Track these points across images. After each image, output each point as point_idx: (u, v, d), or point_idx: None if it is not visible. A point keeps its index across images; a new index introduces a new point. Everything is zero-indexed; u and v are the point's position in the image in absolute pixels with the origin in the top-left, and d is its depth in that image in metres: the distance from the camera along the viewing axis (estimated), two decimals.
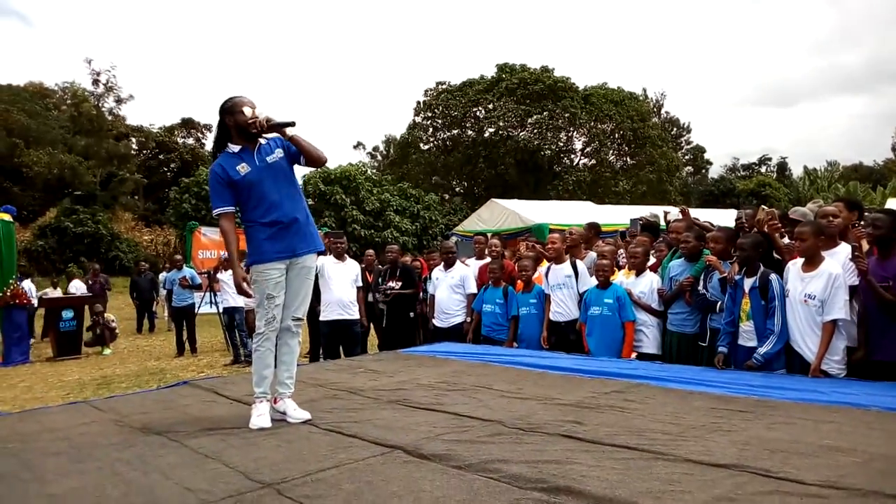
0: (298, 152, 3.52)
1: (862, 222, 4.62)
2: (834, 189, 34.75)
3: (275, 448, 2.95)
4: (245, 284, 3.40)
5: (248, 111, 3.42)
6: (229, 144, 3.49)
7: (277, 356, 3.56)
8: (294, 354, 3.63)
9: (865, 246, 4.26)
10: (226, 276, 9.89)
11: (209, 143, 41.51)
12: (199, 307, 11.48)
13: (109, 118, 36.06)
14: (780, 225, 4.56)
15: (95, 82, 35.54)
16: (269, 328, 3.47)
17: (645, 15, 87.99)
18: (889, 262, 3.92)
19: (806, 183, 40.56)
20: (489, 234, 9.21)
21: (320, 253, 3.80)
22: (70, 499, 2.38)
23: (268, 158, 3.48)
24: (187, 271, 11.57)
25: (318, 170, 26.90)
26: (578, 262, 5.83)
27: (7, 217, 11.04)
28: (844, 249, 4.21)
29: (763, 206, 4.80)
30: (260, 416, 3.36)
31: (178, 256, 12.92)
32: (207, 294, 11.49)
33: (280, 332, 3.53)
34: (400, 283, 7.81)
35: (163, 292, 13.98)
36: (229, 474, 2.58)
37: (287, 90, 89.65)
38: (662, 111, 46.98)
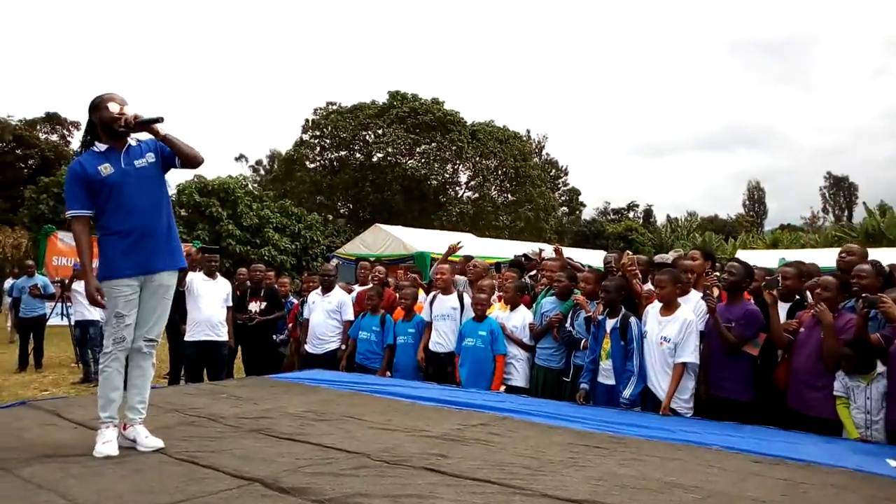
0: (172, 154, 3.32)
1: (715, 272, 5.08)
2: (692, 237, 37.71)
3: (121, 478, 2.75)
4: (98, 296, 3.16)
5: (113, 107, 3.22)
6: (96, 143, 3.28)
7: (128, 379, 3.35)
8: (146, 378, 3.42)
9: (716, 292, 4.66)
10: (80, 287, 9.17)
11: (75, 142, 38.75)
12: (49, 318, 10.54)
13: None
14: (637, 271, 4.88)
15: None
16: (118, 348, 3.26)
17: (534, 59, 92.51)
18: (735, 306, 4.34)
19: (668, 230, 43.75)
20: (372, 260, 9.19)
21: (183, 270, 3.62)
22: None
23: (136, 162, 3.28)
24: (39, 279, 10.63)
25: (195, 180, 25.77)
26: (465, 296, 5.91)
27: None
28: (696, 296, 4.59)
29: (627, 252, 5.14)
30: (106, 444, 3.12)
31: (30, 262, 11.82)
32: (59, 305, 10.59)
33: (131, 353, 3.34)
34: (264, 305, 7.58)
35: (7, 300, 12.71)
36: None
37: (166, 91, 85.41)
38: (543, 152, 49.27)
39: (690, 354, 4.23)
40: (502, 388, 5.38)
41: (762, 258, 12.86)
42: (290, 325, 7.76)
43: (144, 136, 3.35)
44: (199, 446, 3.27)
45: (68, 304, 9.80)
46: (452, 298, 5.91)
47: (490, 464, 3.06)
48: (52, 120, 38.58)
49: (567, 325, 5.06)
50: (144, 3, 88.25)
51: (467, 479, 2.81)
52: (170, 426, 3.71)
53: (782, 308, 4.33)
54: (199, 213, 24.61)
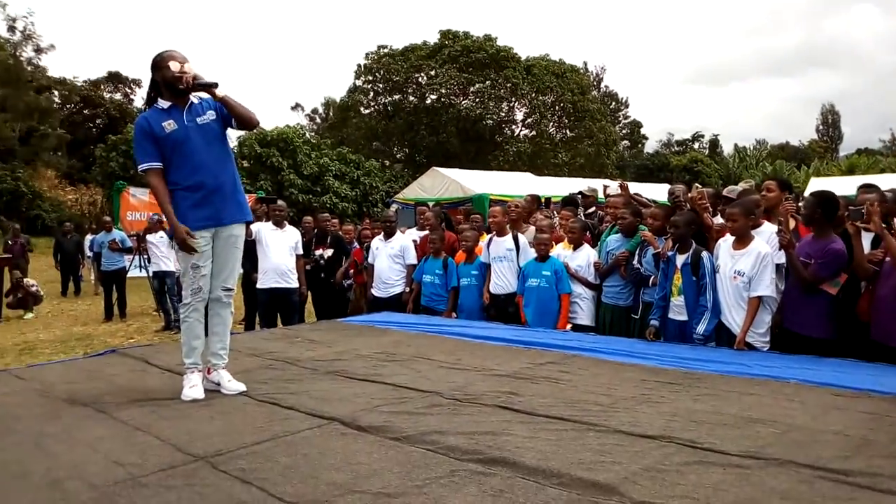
0: (229, 115, 3.41)
1: (790, 200, 4.85)
2: (762, 167, 36.22)
3: (208, 420, 2.90)
4: (190, 238, 3.27)
5: (174, 66, 3.29)
6: (159, 100, 3.37)
7: (209, 326, 3.50)
8: (226, 325, 3.55)
9: (792, 223, 4.46)
10: (155, 239, 9.56)
11: (138, 100, 39.75)
12: (129, 271, 11.08)
13: (29, 69, 33.86)
14: (708, 204, 4.71)
15: (11, 29, 33.12)
16: (196, 298, 3.40)
17: None
18: (818, 242, 4.06)
19: (736, 160, 42.09)
20: (431, 205, 9.20)
21: (248, 222, 3.74)
22: None
23: (198, 119, 3.37)
24: (117, 233, 11.12)
25: (255, 131, 26.11)
26: (520, 236, 5.89)
27: None
28: (770, 228, 4.40)
29: (696, 185, 4.96)
30: (192, 388, 3.30)
31: (107, 218, 12.37)
32: (137, 257, 11.09)
33: (210, 302, 3.47)
34: (331, 251, 7.74)
35: (90, 255, 13.40)
36: (160, 447, 2.53)
37: (222, 45, 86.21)
38: (602, 85, 47.74)
39: (766, 288, 4.09)
40: (568, 326, 5.38)
41: (837, 185, 12.23)
42: (352, 270, 7.92)
43: (205, 94, 3.42)
44: (278, 388, 3.41)
45: (145, 256, 10.25)
46: (507, 240, 5.89)
47: (561, 401, 3.08)
48: (115, 79, 39.62)
49: (634, 261, 4.97)
50: None
51: (540, 416, 2.84)
52: (250, 370, 3.87)
53: (866, 238, 4.10)
54: (261, 163, 25.09)
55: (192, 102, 3.39)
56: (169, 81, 3.29)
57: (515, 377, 3.58)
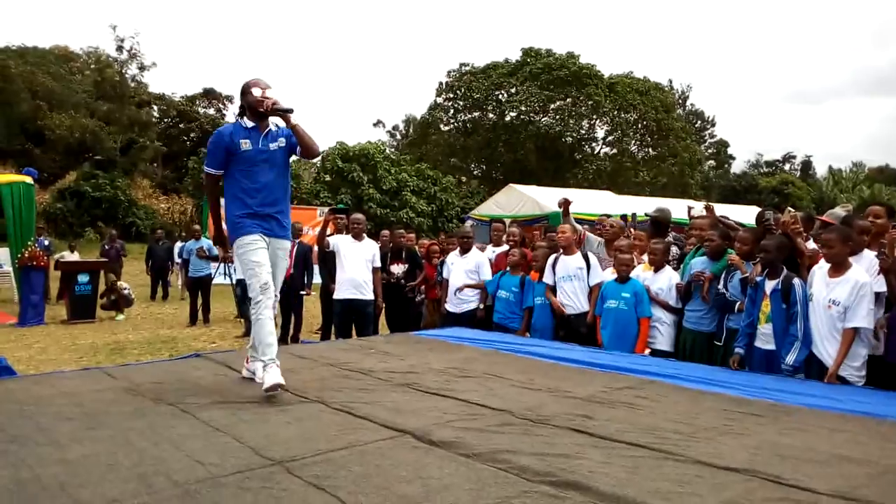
0: (297, 143, 3.70)
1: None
2: (858, 191, 34.28)
3: (285, 425, 2.96)
4: (224, 240, 3.74)
5: (256, 92, 3.63)
6: (245, 119, 3.73)
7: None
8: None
9: None
10: None
11: (230, 115, 41.64)
12: (214, 277, 11.58)
13: (132, 85, 36.15)
14: (801, 229, 4.48)
15: (119, 48, 35.53)
16: (266, 296, 3.62)
17: (674, 5, 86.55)
18: None
19: (830, 183, 40.03)
20: (507, 221, 9.17)
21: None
22: (82, 465, 2.40)
23: (271, 144, 3.69)
24: (204, 242, 11.64)
25: (337, 146, 26.87)
26: (590, 255, 5.78)
27: (28, 179, 11.16)
28: (869, 255, 4.15)
29: (789, 209, 4.73)
30: (272, 378, 3.43)
31: (196, 227, 13.01)
32: (222, 265, 11.58)
33: None
34: (405, 267, 7.84)
35: (178, 261, 14.08)
36: (239, 449, 2.60)
37: (309, 64, 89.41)
38: (687, 103, 46.45)
39: (863, 319, 3.84)
40: (647, 351, 5.22)
41: None
42: (423, 286, 7.98)
43: (279, 121, 3.73)
44: (353, 398, 3.45)
45: (230, 264, 10.68)
46: (577, 258, 5.78)
47: (638, 427, 2.98)
48: (209, 95, 41.67)
49: (719, 286, 4.78)
50: None
51: (615, 442, 2.76)
52: (325, 378, 3.95)
53: None
54: (342, 177, 25.76)
55: (270, 129, 3.72)
56: (252, 105, 3.63)
57: (590, 400, 3.50)
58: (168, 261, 15.03)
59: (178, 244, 14.64)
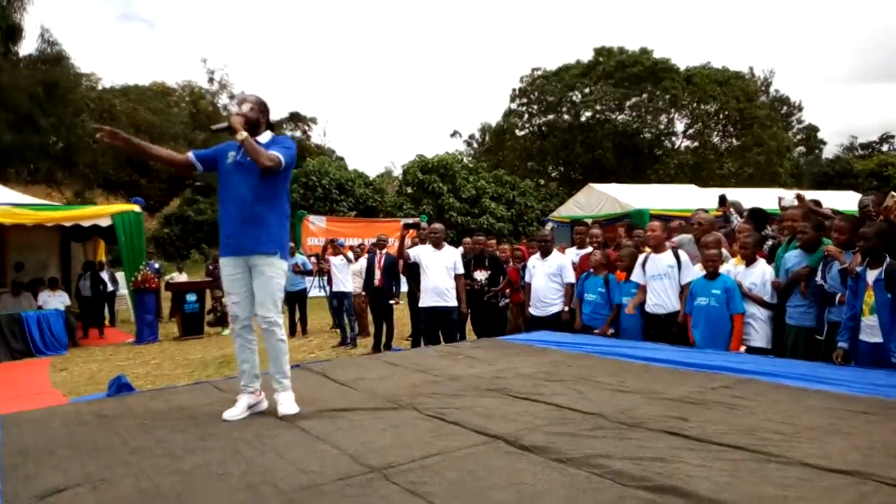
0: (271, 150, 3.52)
1: None
2: None
3: (380, 432, 3.06)
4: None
5: (232, 108, 3.63)
6: None
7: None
8: (276, 351, 3.61)
9: None
10: (336, 262, 10.30)
11: (315, 136, 43.17)
12: (309, 291, 12.08)
13: (224, 114, 38.09)
14: None
15: (210, 80, 37.61)
16: (235, 325, 3.61)
17: None
18: None
19: None
20: (589, 222, 9.06)
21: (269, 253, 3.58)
22: (196, 475, 2.57)
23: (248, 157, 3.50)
24: (299, 258, 12.11)
25: (417, 159, 27.29)
26: (681, 252, 5.62)
27: (137, 208, 11.97)
28: None
29: (892, 193, 4.46)
30: (233, 407, 3.50)
31: (291, 244, 13.52)
32: (317, 279, 12.04)
33: (262, 332, 3.58)
34: (488, 273, 7.89)
35: None
36: (338, 457, 2.70)
37: (387, 80, 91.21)
38: (771, 89, 44.19)
39: None
40: (742, 348, 5.03)
41: None
42: (508, 290, 8.01)
43: (266, 137, 3.65)
44: (444, 404, 3.52)
45: (325, 277, 11.10)
46: (668, 256, 5.63)
47: (737, 429, 2.89)
48: (295, 118, 43.31)
49: (817, 278, 4.55)
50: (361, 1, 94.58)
51: (713, 444, 2.69)
52: (416, 385, 4.04)
53: None
54: (423, 189, 26.13)
55: (258, 141, 3.54)
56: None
57: (684, 401, 3.42)
58: None
59: None
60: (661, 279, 5.58)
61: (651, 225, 5.91)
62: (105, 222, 11.46)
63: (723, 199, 7.47)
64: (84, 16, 67.83)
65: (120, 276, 13.38)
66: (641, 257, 5.85)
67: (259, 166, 3.40)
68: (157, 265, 13.93)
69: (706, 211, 6.44)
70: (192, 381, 5.44)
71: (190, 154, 3.71)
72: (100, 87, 34.93)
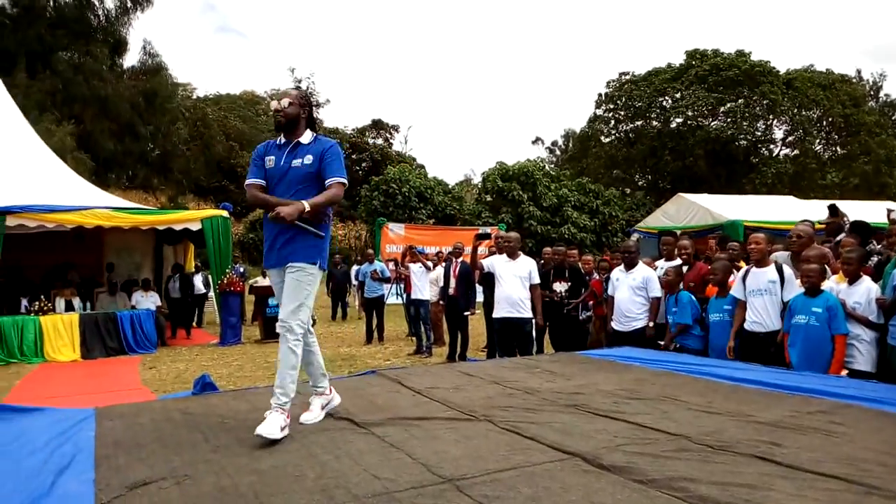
0: (326, 175, 3.37)
1: None
2: None
3: (454, 443, 3.03)
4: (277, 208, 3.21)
5: (273, 104, 3.43)
6: (281, 136, 3.51)
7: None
8: (282, 361, 3.32)
9: None
10: (415, 269, 10.40)
11: (397, 144, 43.96)
12: (387, 298, 12.23)
13: (270, 113, 39.36)
14: None
15: (297, 89, 38.97)
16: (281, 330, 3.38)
17: None
18: None
19: None
20: (678, 233, 8.73)
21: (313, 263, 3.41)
22: (273, 475, 2.63)
23: (294, 161, 3.38)
24: (378, 265, 12.33)
25: (497, 167, 27.27)
26: (785, 267, 5.29)
27: (224, 213, 12.51)
28: None
29: None
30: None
31: (370, 251, 13.83)
32: (395, 286, 12.18)
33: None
34: (568, 285, 7.72)
35: (355, 283, 15.00)
36: (412, 465, 2.69)
37: (468, 88, 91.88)
38: (881, 94, 41.45)
39: None
40: (843, 372, 4.69)
41: None
42: (591, 302, 7.81)
43: (307, 138, 3.47)
44: (520, 417, 3.45)
45: (402, 284, 11.22)
46: (770, 271, 5.30)
47: (834, 457, 2.68)
48: (378, 126, 44.28)
49: None
50: (443, 7, 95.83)
51: (807, 472, 2.51)
52: (491, 397, 3.99)
53: None
54: (503, 197, 26.05)
55: (300, 142, 3.42)
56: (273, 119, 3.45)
57: (777, 426, 3.21)
58: (346, 283, 16.05)
59: (355, 267, 15.60)
60: (762, 295, 5.27)
61: (755, 237, 5.57)
62: (195, 226, 12.01)
63: (834, 209, 6.85)
64: (184, 28, 72.22)
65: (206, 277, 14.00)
66: (742, 271, 5.57)
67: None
68: (241, 269, 14.49)
69: (811, 223, 6.05)
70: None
71: (251, 181, 3.49)
72: (194, 97, 36.96)
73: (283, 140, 3.47)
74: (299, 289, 3.33)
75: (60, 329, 10.38)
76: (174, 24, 71.21)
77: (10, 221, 9.90)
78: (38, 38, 26.15)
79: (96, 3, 29.51)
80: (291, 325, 3.29)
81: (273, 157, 3.43)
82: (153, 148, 30.42)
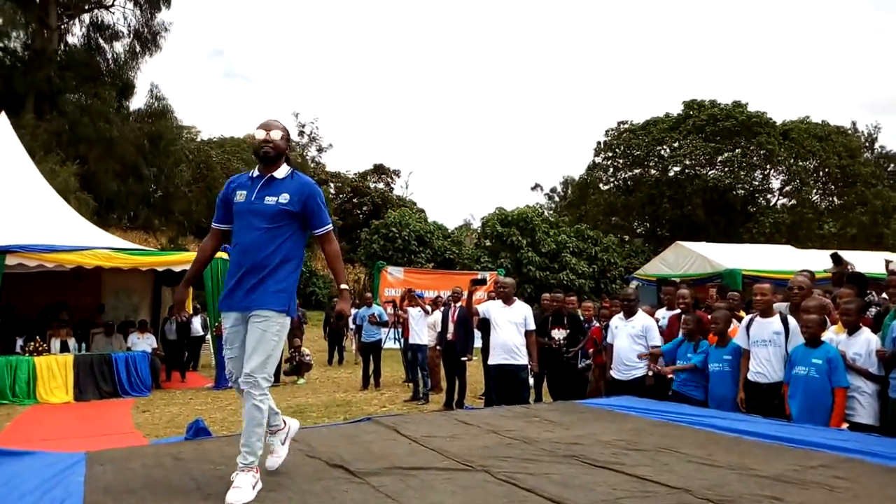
0: (315, 224, 3.27)
1: None
2: None
3: (451, 494, 2.98)
4: (177, 307, 3.18)
5: (259, 134, 3.21)
6: (256, 168, 3.31)
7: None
8: (248, 419, 3.08)
9: None
10: (414, 313, 10.36)
11: (398, 188, 44.33)
12: (384, 342, 12.13)
13: (312, 165, 39.77)
14: None
15: (301, 133, 39.51)
16: (232, 383, 3.28)
17: (851, 40, 79.87)
18: None
19: None
20: (678, 281, 8.74)
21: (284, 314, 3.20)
22: None
23: (267, 198, 3.16)
24: (376, 308, 12.26)
25: (496, 212, 27.44)
26: (790, 318, 5.26)
27: (224, 255, 12.48)
28: None
29: None
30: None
31: (368, 294, 13.78)
32: (392, 330, 12.10)
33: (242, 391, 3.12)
34: (566, 332, 7.68)
35: (352, 327, 14.91)
36: None
37: (469, 134, 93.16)
38: (876, 145, 42.05)
39: None
40: (844, 425, 4.63)
41: None
42: (591, 350, 7.76)
43: (283, 170, 3.29)
44: (517, 468, 3.40)
45: (399, 328, 11.13)
46: (775, 322, 5.27)
47: None
48: (379, 170, 44.68)
49: None
50: (444, 55, 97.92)
51: None
52: (489, 446, 3.93)
53: None
54: (501, 242, 26.16)
55: (274, 177, 3.22)
56: (254, 149, 3.24)
57: (778, 480, 3.16)
58: (344, 327, 15.95)
59: (353, 311, 15.53)
60: (766, 346, 5.21)
61: (761, 287, 5.53)
62: None
63: (837, 258, 6.73)
64: (192, 72, 73.56)
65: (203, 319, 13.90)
66: (745, 320, 5.53)
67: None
68: None
69: (810, 273, 6.04)
70: None
71: (213, 226, 3.38)
72: (198, 139, 37.32)
73: (256, 173, 3.26)
74: (267, 341, 3.08)
75: (54, 370, 10.27)
76: (182, 68, 72.54)
77: (10, 260, 9.89)
78: (47, 79, 26.58)
79: (106, 47, 30.20)
80: (258, 379, 3.04)
81: (245, 192, 3.21)
82: (156, 189, 30.61)
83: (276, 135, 3.21)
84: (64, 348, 11.03)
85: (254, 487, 2.96)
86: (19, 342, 10.80)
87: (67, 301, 12.49)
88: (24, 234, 10.36)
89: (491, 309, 6.78)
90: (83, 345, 11.48)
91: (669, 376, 5.94)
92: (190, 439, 4.40)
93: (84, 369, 10.52)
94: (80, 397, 10.28)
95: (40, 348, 10.52)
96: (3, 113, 14.24)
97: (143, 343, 11.94)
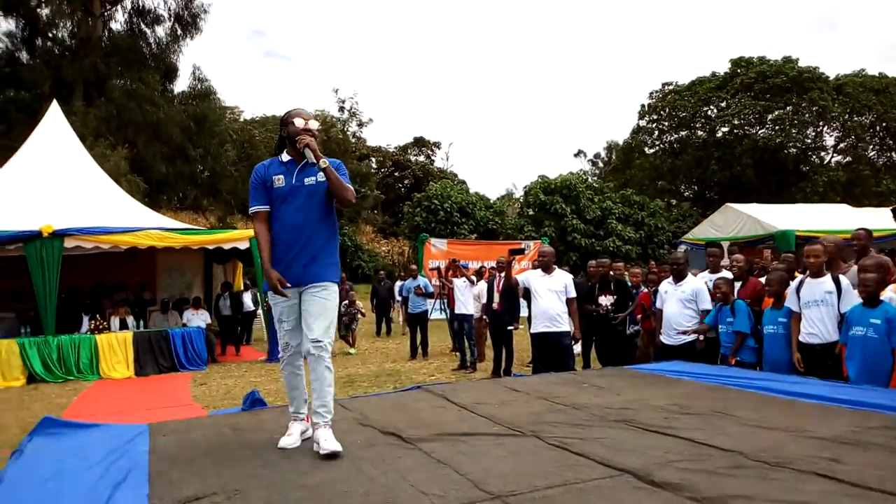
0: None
1: None
2: None
3: (502, 459, 3.00)
4: (280, 285, 3.30)
5: (298, 122, 3.42)
6: (283, 153, 3.51)
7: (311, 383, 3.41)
8: (322, 382, 3.33)
9: None
10: (459, 284, 10.40)
11: (438, 160, 44.26)
12: (431, 313, 12.24)
13: (353, 141, 39.92)
14: None
15: (341, 109, 39.58)
16: (286, 353, 3.51)
17: None
18: None
19: None
20: (726, 244, 8.53)
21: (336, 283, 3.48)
22: (321, 490, 2.64)
23: (306, 179, 3.41)
24: (421, 280, 12.35)
25: (539, 180, 27.14)
26: (842, 278, 5.09)
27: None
28: None
29: None
30: (287, 436, 3.42)
31: (413, 266, 13.89)
32: (438, 301, 12.19)
33: (308, 357, 3.36)
34: (614, 298, 7.60)
35: (399, 299, 15.07)
36: (460, 481, 2.68)
37: (509, 102, 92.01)
38: None
39: None
40: None
41: None
42: (639, 315, 7.68)
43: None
44: (568, 433, 3.40)
45: (445, 299, 11.21)
46: (826, 281, 5.11)
47: None
48: (419, 143, 44.64)
49: None
50: (484, 24, 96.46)
51: (872, 491, 2.40)
52: (538, 412, 3.94)
53: None
54: (545, 210, 25.93)
55: (306, 162, 3.41)
56: (291, 136, 3.42)
57: (837, 441, 3.09)
58: (390, 299, 16.13)
59: (399, 283, 15.68)
60: (818, 306, 5.06)
61: (812, 249, 5.34)
62: (244, 245, 12.23)
63: None
64: (233, 53, 74.36)
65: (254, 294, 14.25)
66: (795, 282, 5.38)
67: (340, 199, 3.40)
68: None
69: (867, 230, 5.82)
70: None
71: (258, 209, 3.49)
72: (241, 119, 37.83)
73: (287, 158, 3.47)
74: (331, 309, 3.40)
75: (115, 347, 10.70)
76: (223, 49, 73.50)
77: (68, 243, 10.27)
78: (94, 67, 27.24)
79: (148, 32, 30.71)
80: (325, 343, 3.32)
81: (282, 176, 3.43)
82: (202, 170, 31.26)
83: (313, 125, 3.49)
84: (123, 326, 11.46)
85: (335, 439, 3.19)
86: (86, 321, 11.25)
87: (125, 280, 12.96)
88: (80, 218, 10.72)
89: (531, 278, 6.77)
90: (140, 322, 11.91)
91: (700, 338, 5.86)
92: (246, 410, 4.53)
93: (143, 345, 10.92)
94: (140, 372, 10.70)
95: (101, 327, 10.95)
96: (54, 101, 14.67)
97: (198, 319, 12.29)
